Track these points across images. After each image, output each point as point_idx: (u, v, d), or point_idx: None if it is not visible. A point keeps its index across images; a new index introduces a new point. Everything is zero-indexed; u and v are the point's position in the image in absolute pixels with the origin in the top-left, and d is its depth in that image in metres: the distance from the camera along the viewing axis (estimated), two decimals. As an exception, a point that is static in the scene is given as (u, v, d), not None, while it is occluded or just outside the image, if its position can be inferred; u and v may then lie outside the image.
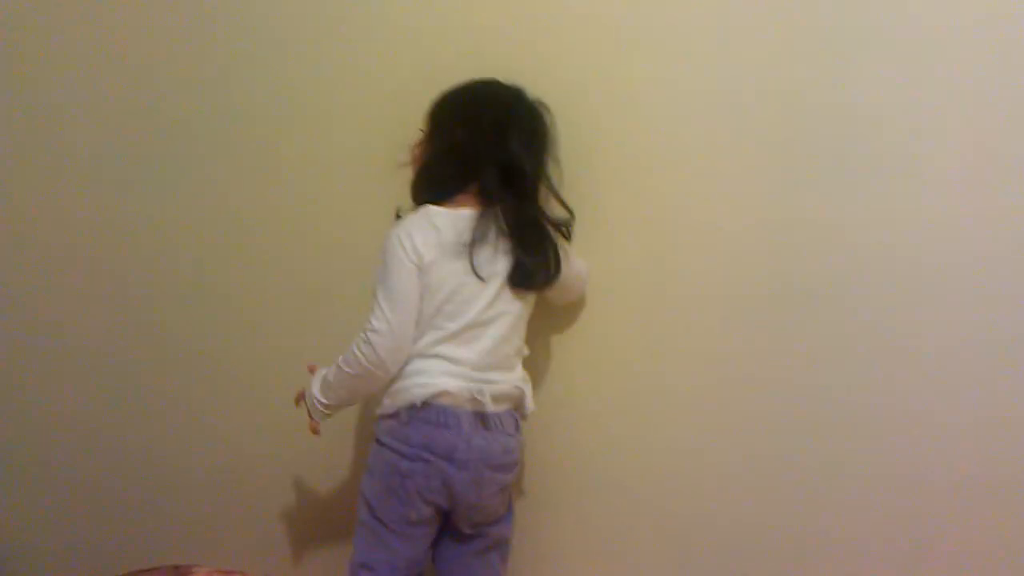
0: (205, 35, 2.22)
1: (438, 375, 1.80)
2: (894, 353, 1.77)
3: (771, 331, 1.86)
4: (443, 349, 1.80)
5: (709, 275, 1.89)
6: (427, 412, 1.78)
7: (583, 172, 1.93)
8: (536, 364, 1.98)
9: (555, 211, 1.88)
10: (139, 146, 2.28)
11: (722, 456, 1.90)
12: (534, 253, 1.82)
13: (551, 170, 1.88)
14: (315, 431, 1.89)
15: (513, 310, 1.83)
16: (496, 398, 1.81)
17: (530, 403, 1.88)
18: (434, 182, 1.86)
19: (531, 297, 1.87)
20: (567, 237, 1.89)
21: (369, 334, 1.76)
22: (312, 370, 1.90)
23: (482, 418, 1.80)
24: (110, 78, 2.28)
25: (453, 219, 1.81)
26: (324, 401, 1.84)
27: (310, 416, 1.87)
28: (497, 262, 1.81)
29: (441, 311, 1.80)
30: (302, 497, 2.26)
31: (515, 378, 1.86)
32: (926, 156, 1.73)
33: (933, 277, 1.74)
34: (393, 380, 1.81)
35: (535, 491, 2.04)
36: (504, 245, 1.81)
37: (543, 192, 1.87)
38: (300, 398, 1.90)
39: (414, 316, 1.80)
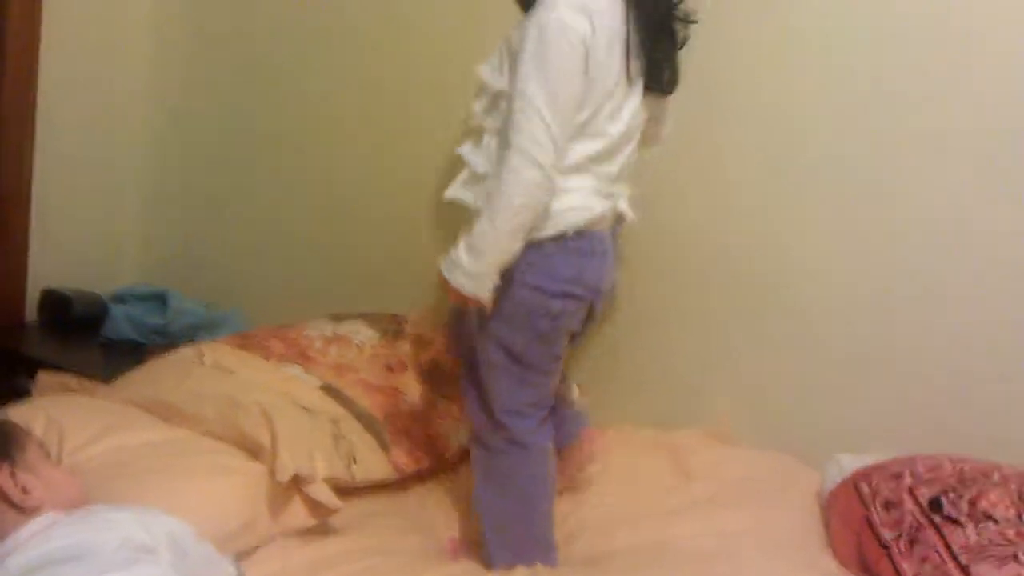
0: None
1: (590, 195, 1.59)
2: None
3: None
4: (593, 164, 1.58)
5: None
6: (579, 241, 1.59)
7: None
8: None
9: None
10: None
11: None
12: (669, 54, 1.62)
13: None
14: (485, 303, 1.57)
15: (642, 117, 1.64)
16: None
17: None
18: None
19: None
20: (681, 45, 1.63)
21: (529, 148, 1.46)
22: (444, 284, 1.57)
23: (612, 235, 1.66)
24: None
25: (608, 3, 1.53)
26: (485, 266, 1.51)
27: (472, 300, 1.55)
28: (636, 61, 1.57)
29: (598, 115, 1.55)
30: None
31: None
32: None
33: None
34: None
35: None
36: (636, 42, 1.56)
37: None
38: (455, 297, 1.57)
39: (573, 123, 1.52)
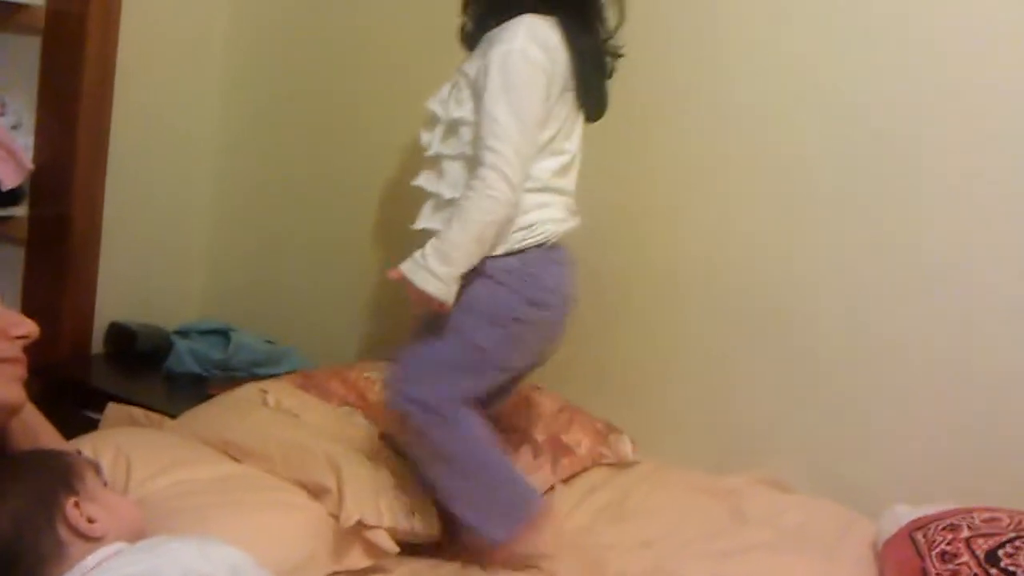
0: None
1: (562, 209, 1.71)
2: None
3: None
4: (557, 180, 1.70)
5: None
6: (558, 251, 1.70)
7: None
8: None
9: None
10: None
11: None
12: (600, 85, 1.74)
13: None
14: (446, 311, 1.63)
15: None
16: None
17: None
18: None
19: None
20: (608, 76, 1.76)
21: (502, 166, 1.57)
22: (396, 275, 1.64)
23: None
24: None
25: (554, 33, 1.65)
26: (454, 271, 1.60)
27: (436, 303, 1.61)
28: (576, 90, 1.70)
29: (557, 135, 1.67)
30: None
31: None
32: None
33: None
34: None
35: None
36: (575, 73, 1.68)
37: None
38: (418, 299, 1.62)
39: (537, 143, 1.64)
